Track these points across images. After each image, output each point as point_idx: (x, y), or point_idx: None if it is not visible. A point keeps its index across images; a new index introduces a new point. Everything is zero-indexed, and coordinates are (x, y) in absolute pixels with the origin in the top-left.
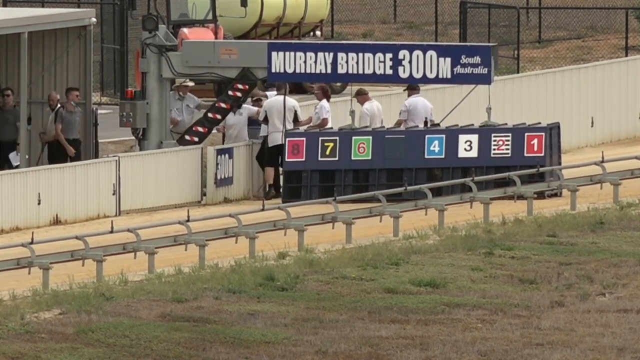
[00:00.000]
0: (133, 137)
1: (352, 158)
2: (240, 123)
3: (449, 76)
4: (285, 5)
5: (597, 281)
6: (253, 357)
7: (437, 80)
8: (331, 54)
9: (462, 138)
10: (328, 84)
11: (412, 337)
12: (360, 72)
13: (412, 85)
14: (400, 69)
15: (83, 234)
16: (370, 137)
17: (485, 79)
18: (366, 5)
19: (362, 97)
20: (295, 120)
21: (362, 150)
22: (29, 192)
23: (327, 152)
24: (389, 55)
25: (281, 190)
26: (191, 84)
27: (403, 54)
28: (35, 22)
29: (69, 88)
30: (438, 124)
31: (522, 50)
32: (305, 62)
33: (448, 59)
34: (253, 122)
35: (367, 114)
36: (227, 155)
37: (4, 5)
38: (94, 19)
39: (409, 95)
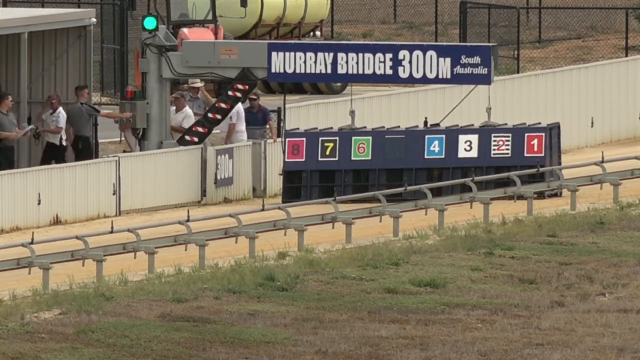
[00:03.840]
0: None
1: (352, 158)
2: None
3: (448, 76)
4: (285, 6)
5: (597, 281)
6: (253, 357)
7: (437, 80)
8: (331, 54)
9: (462, 138)
10: (328, 84)
11: (412, 337)
12: (360, 72)
13: None
14: (400, 69)
15: (83, 234)
16: (370, 138)
17: (485, 79)
18: (366, 6)
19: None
20: None
21: (362, 150)
22: (29, 192)
23: (327, 152)
24: (389, 56)
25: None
26: (200, 84)
27: (403, 54)
28: (35, 22)
29: (79, 86)
30: (438, 124)
31: (522, 51)
32: (305, 62)
33: (448, 59)
34: (252, 122)
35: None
36: (227, 156)
37: (4, 5)
38: (94, 19)
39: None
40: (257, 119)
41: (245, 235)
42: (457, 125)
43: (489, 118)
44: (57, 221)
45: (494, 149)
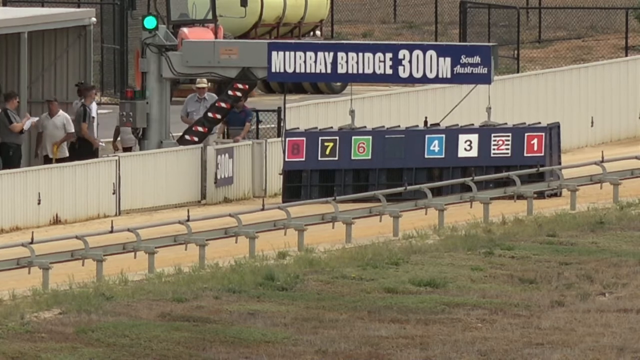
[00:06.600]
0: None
1: (352, 158)
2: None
3: (449, 76)
4: (285, 5)
5: (597, 281)
6: (253, 357)
7: (437, 80)
8: (331, 53)
9: (462, 138)
10: (328, 84)
11: (412, 336)
12: (360, 72)
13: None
14: (400, 68)
15: (83, 234)
16: (370, 137)
17: (485, 79)
18: (366, 5)
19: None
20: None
21: (362, 150)
22: (29, 191)
23: (327, 152)
24: (389, 55)
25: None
26: (206, 84)
27: (403, 53)
28: (35, 22)
29: (87, 87)
30: (438, 124)
31: (522, 50)
32: (305, 62)
33: (448, 59)
34: (234, 122)
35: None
36: (227, 155)
37: (4, 5)
38: (93, 19)
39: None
40: (238, 119)
41: (245, 235)
42: (457, 125)
43: (489, 118)
44: (57, 221)
45: (494, 149)
